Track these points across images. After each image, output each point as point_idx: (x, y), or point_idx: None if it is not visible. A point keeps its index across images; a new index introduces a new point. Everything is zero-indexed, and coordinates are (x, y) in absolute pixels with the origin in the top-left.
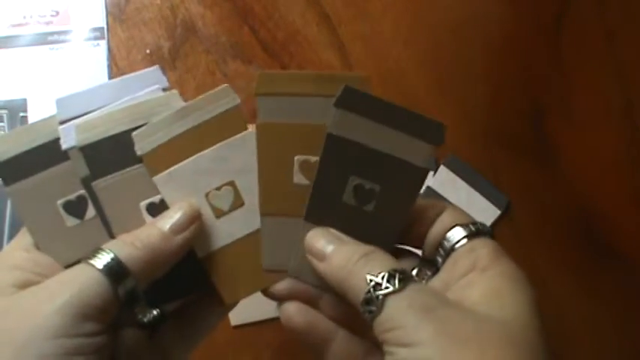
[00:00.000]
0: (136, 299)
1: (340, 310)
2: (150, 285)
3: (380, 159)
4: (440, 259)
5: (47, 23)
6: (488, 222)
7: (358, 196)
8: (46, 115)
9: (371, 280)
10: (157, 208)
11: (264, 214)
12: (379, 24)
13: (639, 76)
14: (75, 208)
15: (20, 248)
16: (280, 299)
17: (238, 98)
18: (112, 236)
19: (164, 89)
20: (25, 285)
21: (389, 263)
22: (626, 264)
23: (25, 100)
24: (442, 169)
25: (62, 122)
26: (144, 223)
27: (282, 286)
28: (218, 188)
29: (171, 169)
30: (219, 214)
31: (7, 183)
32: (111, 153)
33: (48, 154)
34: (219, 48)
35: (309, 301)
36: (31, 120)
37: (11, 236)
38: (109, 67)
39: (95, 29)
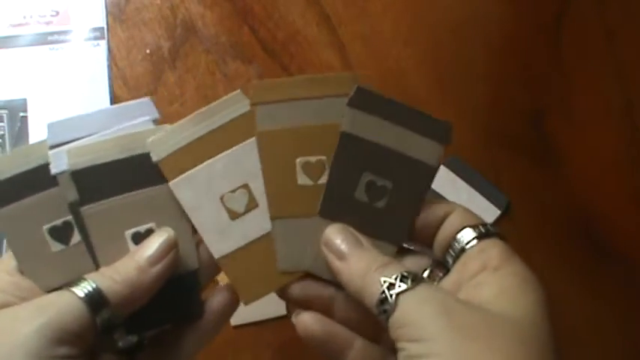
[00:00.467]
0: (115, 326)
1: (354, 316)
2: (134, 312)
3: (392, 157)
4: (450, 260)
5: (47, 23)
6: (488, 222)
7: (370, 193)
8: (44, 118)
9: (385, 282)
10: (142, 238)
11: (274, 217)
12: (379, 24)
13: (639, 76)
14: (60, 233)
15: (3, 271)
16: (295, 302)
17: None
18: (95, 262)
19: (154, 120)
20: (4, 307)
21: (403, 268)
22: (627, 264)
23: (25, 100)
24: (442, 169)
25: (52, 147)
26: (127, 251)
27: (296, 289)
28: (233, 191)
29: (187, 173)
30: (234, 216)
31: None
32: (101, 180)
33: (36, 178)
34: (219, 48)
35: (323, 307)
36: (31, 120)
37: None
38: (109, 67)
39: (95, 29)
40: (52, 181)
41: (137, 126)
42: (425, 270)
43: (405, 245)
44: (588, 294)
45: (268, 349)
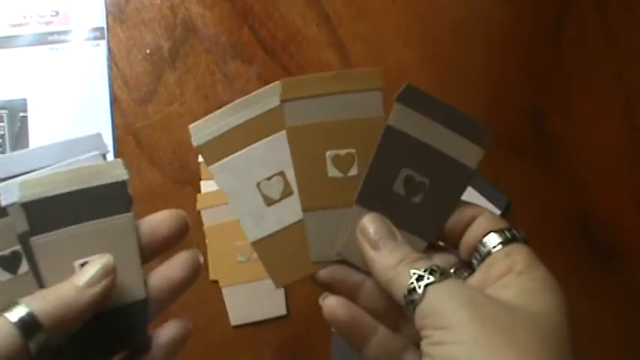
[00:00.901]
0: (51, 350)
1: (379, 304)
2: (77, 342)
3: (432, 155)
4: (475, 262)
5: (47, 23)
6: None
7: (408, 187)
8: (44, 118)
9: (415, 273)
10: None
11: (305, 209)
12: (379, 24)
13: (639, 76)
14: (8, 263)
15: None
16: (324, 286)
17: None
18: None
19: (103, 155)
20: None
21: (432, 263)
22: (626, 264)
23: (25, 100)
24: None
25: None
26: None
27: (325, 272)
28: (269, 178)
29: (226, 159)
30: (269, 202)
31: None
32: (52, 211)
33: None
34: (219, 48)
35: (349, 293)
36: (31, 120)
37: None
38: (109, 67)
39: (95, 29)
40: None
41: (86, 160)
42: (452, 268)
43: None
44: (588, 294)
45: (268, 349)
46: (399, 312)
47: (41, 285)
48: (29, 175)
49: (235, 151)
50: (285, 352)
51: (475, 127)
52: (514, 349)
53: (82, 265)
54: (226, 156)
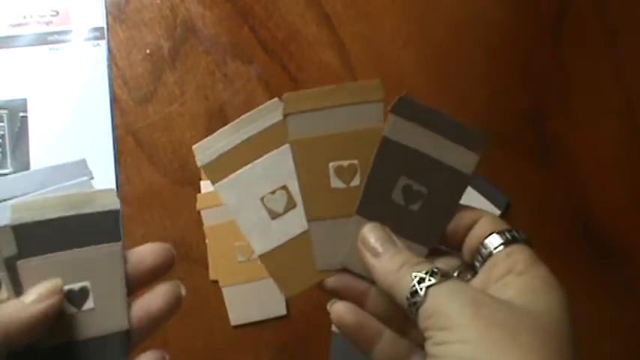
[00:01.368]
0: None
1: (385, 309)
2: None
3: (429, 163)
4: (478, 264)
5: (47, 23)
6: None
7: (406, 196)
8: (44, 118)
9: (416, 276)
10: (75, 296)
11: (310, 219)
12: (379, 24)
13: (639, 76)
14: None
15: None
16: (331, 292)
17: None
18: None
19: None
20: None
21: (433, 266)
22: (626, 263)
23: (25, 100)
24: None
25: None
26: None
27: (332, 280)
28: (272, 192)
29: (230, 176)
30: (274, 215)
31: None
32: (42, 235)
33: None
34: (219, 48)
35: (356, 299)
36: (31, 120)
37: None
38: (109, 67)
39: (95, 29)
40: None
41: (75, 186)
42: (454, 271)
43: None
44: (587, 293)
45: (268, 349)
46: (404, 316)
47: None
48: (20, 198)
49: (238, 169)
50: (285, 352)
51: (469, 134)
52: (517, 346)
53: (67, 292)
54: (230, 173)
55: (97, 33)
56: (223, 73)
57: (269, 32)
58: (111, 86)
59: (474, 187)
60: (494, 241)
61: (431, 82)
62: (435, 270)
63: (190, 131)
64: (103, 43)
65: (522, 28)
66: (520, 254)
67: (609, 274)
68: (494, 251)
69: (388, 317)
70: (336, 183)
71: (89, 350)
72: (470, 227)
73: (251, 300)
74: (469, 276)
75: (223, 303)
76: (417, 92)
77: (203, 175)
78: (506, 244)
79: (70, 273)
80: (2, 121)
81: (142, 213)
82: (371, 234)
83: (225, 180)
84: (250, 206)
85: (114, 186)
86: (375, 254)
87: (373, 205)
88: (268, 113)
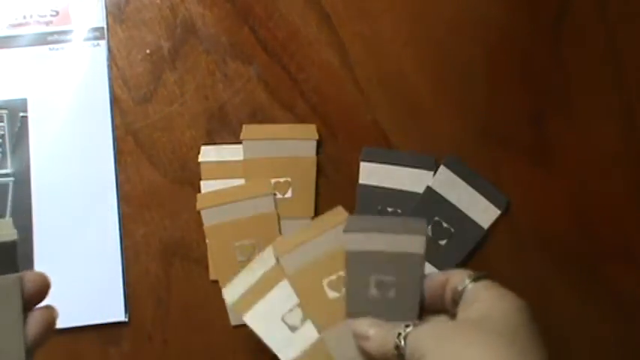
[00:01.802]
0: None
1: None
2: None
3: (388, 257)
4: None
5: (47, 23)
6: (488, 222)
7: (380, 289)
8: (44, 118)
9: (399, 334)
10: None
11: (320, 330)
12: (379, 24)
13: (639, 76)
14: None
15: None
16: None
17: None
18: None
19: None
20: None
21: (411, 322)
22: (626, 264)
23: (25, 100)
24: (442, 169)
25: None
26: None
27: None
28: (290, 310)
29: (254, 307)
30: (294, 329)
31: None
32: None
33: None
34: (219, 48)
35: None
36: (31, 120)
37: None
38: (109, 67)
39: (95, 29)
40: None
41: None
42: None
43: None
44: (587, 294)
45: (268, 349)
46: None
47: None
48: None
49: (261, 298)
50: None
51: (413, 223)
52: (476, 345)
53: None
54: (254, 304)
55: (97, 33)
56: (223, 73)
57: (269, 32)
58: (111, 86)
59: (474, 187)
60: (464, 282)
61: (431, 82)
62: (408, 323)
63: (190, 131)
64: (103, 43)
65: (522, 28)
66: (483, 285)
67: (609, 274)
68: (467, 286)
69: None
70: (332, 294)
71: None
72: (444, 285)
73: None
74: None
75: (223, 303)
76: (417, 92)
77: (203, 174)
78: (474, 280)
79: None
80: (2, 121)
81: (142, 213)
82: (359, 324)
83: (250, 311)
84: (275, 326)
85: (114, 188)
86: (366, 338)
87: (357, 305)
88: (270, 257)
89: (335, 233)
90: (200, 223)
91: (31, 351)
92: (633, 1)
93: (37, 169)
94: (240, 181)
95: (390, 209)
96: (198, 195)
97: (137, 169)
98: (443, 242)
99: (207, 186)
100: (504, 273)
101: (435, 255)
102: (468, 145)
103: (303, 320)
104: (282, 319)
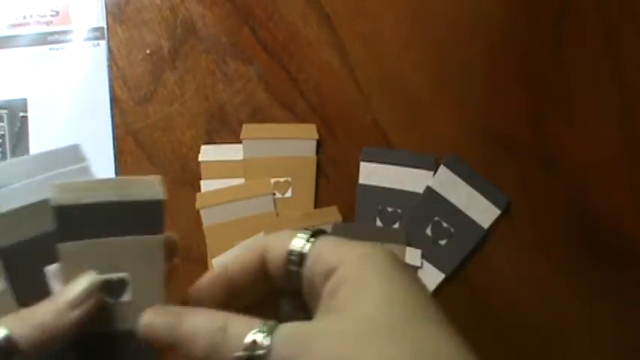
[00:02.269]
0: None
1: None
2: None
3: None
4: (297, 281)
5: (47, 23)
6: (488, 222)
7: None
8: (44, 118)
9: (241, 357)
10: (113, 286)
11: None
12: (379, 24)
13: (639, 76)
14: None
15: None
16: None
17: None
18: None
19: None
20: None
21: (247, 326)
22: (626, 264)
23: (25, 100)
24: (442, 169)
25: None
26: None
27: None
28: None
29: None
30: None
31: None
32: (83, 220)
33: None
34: (219, 48)
35: None
36: (31, 120)
37: None
38: (109, 67)
39: (95, 29)
40: None
41: (73, 172)
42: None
43: None
44: (587, 293)
45: None
46: None
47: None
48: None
49: None
50: None
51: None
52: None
53: (106, 281)
54: None
55: (97, 33)
56: (223, 73)
57: (269, 32)
58: (111, 86)
59: (474, 187)
60: (297, 245)
61: (431, 82)
62: (252, 340)
63: (190, 131)
64: (103, 43)
65: (522, 27)
66: (326, 248)
67: (609, 273)
68: (305, 251)
69: None
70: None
71: (121, 343)
72: (260, 259)
73: None
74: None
75: None
76: (417, 92)
77: (203, 174)
78: (310, 239)
79: (109, 262)
80: (2, 121)
81: None
82: (153, 321)
83: None
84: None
85: None
86: (174, 347)
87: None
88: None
89: (255, 202)
90: (200, 223)
91: None
92: (633, 1)
93: None
94: (240, 181)
95: (390, 209)
96: (198, 194)
97: (137, 169)
98: (443, 242)
99: (207, 186)
100: (504, 273)
101: (435, 255)
102: (468, 145)
103: None
104: None
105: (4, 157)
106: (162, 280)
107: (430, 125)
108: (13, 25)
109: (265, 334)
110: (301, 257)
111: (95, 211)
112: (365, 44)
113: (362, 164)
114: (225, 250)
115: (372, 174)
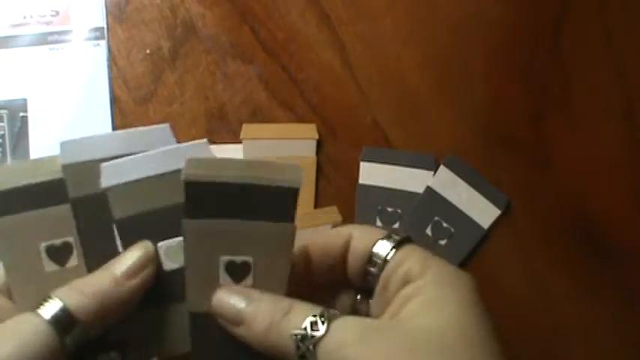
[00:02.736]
0: (88, 344)
1: None
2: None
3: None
4: (371, 279)
5: (47, 23)
6: (488, 222)
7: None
8: (44, 118)
9: (296, 335)
10: (236, 269)
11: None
12: (379, 24)
13: (639, 76)
14: (58, 253)
15: None
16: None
17: None
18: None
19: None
20: None
21: (309, 311)
22: (626, 264)
23: (25, 100)
24: (442, 169)
25: (65, 166)
26: (217, 279)
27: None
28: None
29: None
30: None
31: None
32: (214, 198)
33: (41, 194)
34: (219, 48)
35: None
36: (31, 120)
37: None
38: (109, 67)
39: (95, 29)
40: (57, 198)
41: (192, 148)
42: (348, 305)
43: None
44: (587, 293)
45: None
46: None
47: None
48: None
49: None
50: None
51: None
52: None
53: (228, 263)
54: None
55: (97, 33)
56: (223, 73)
57: (269, 32)
58: (111, 86)
59: (474, 187)
60: (383, 249)
61: (431, 82)
62: (314, 320)
63: (190, 131)
64: (103, 43)
65: (522, 27)
66: (412, 257)
67: (609, 273)
68: (389, 258)
69: None
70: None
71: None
72: (344, 248)
73: None
74: (368, 301)
75: None
76: (417, 92)
77: None
78: (397, 246)
79: (235, 244)
80: (2, 121)
81: None
82: (226, 299)
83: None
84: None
85: None
86: (239, 322)
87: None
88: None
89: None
90: None
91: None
92: (633, 1)
93: None
94: None
95: (390, 209)
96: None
97: None
98: (443, 242)
99: None
100: (504, 273)
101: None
102: (468, 145)
103: None
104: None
105: (4, 157)
106: (287, 270)
107: (430, 125)
108: (13, 25)
109: (325, 319)
110: (384, 262)
111: (228, 190)
112: (365, 44)
113: (362, 164)
114: None
115: (372, 174)
